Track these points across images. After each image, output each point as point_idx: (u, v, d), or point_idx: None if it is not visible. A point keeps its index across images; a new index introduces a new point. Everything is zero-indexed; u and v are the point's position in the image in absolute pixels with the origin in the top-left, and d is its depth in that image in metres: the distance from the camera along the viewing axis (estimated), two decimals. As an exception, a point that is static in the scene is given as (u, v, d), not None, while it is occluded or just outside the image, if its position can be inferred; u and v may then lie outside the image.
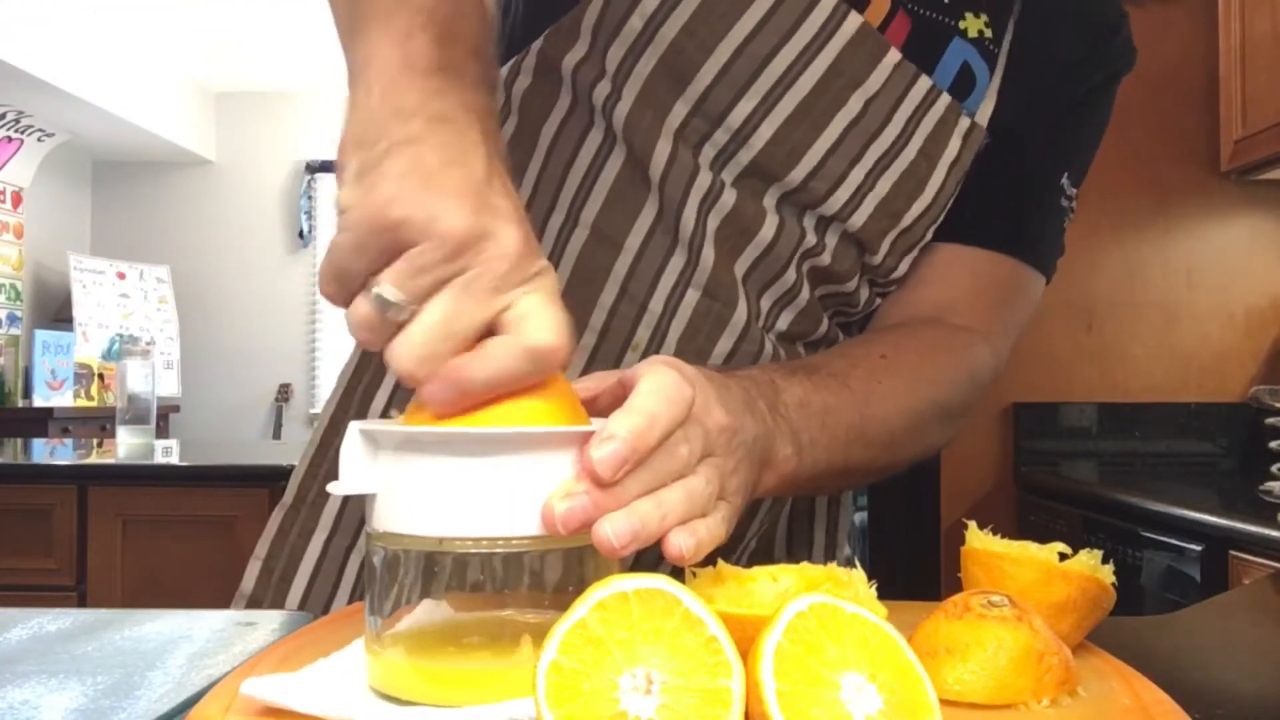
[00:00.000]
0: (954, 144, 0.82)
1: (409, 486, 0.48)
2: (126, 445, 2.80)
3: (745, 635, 0.43)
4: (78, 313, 5.55)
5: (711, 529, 0.52)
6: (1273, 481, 1.96)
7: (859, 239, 0.82)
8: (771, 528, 0.91)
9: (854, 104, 0.79)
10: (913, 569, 2.42)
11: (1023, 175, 0.88)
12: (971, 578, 0.59)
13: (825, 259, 0.83)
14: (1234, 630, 0.79)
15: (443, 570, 0.49)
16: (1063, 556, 0.58)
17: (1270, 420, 2.03)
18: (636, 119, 0.80)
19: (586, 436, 0.49)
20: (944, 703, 0.44)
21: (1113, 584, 0.58)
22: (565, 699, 0.40)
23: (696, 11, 0.77)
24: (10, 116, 5.25)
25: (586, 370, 0.79)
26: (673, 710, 0.40)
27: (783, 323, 0.84)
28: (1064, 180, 0.90)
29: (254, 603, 0.87)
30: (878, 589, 0.52)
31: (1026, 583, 0.57)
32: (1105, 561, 0.58)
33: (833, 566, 0.53)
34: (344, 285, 0.51)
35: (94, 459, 2.67)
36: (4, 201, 5.52)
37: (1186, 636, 0.73)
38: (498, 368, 0.48)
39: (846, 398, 0.73)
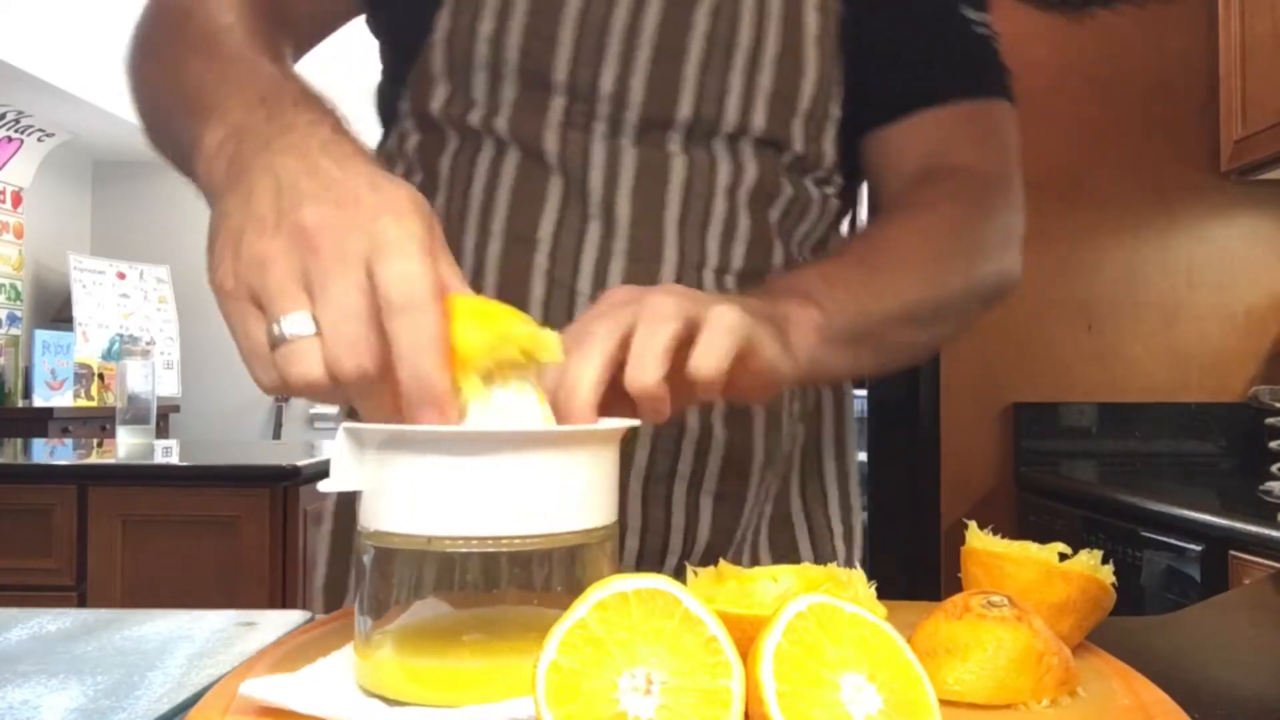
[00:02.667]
0: (811, 19, 0.84)
1: (398, 485, 0.48)
2: (126, 445, 2.80)
3: (745, 635, 0.43)
4: (78, 313, 5.55)
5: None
6: (1273, 481, 1.96)
7: (769, 139, 0.83)
8: (784, 497, 0.91)
9: (700, 20, 0.81)
10: (913, 569, 2.41)
11: (920, 26, 0.89)
12: (971, 578, 0.59)
13: (749, 176, 0.83)
14: (1234, 630, 0.79)
15: (432, 569, 0.49)
16: (1063, 556, 0.58)
17: (1270, 420, 2.03)
18: (519, 124, 0.82)
19: (578, 435, 0.49)
20: (944, 703, 0.44)
21: (1113, 584, 0.58)
22: (565, 699, 0.40)
23: (528, 9, 0.80)
24: (10, 116, 5.25)
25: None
26: (672, 710, 0.40)
27: (736, 259, 0.84)
28: (964, 11, 0.89)
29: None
30: (877, 589, 0.52)
31: (1026, 583, 0.57)
32: (1105, 561, 0.58)
33: (833, 567, 0.53)
34: None
35: (94, 459, 2.67)
36: (4, 201, 5.52)
37: (1186, 636, 0.73)
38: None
39: (862, 247, 0.79)
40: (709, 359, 0.58)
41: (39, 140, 5.57)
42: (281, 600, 2.28)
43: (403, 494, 0.48)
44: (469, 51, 0.81)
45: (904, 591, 0.77)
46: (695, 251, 0.82)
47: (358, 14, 0.91)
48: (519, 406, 0.50)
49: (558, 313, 0.81)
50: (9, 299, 5.54)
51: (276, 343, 0.49)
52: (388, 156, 0.90)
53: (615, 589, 0.42)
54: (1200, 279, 2.43)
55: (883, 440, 2.50)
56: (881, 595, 0.52)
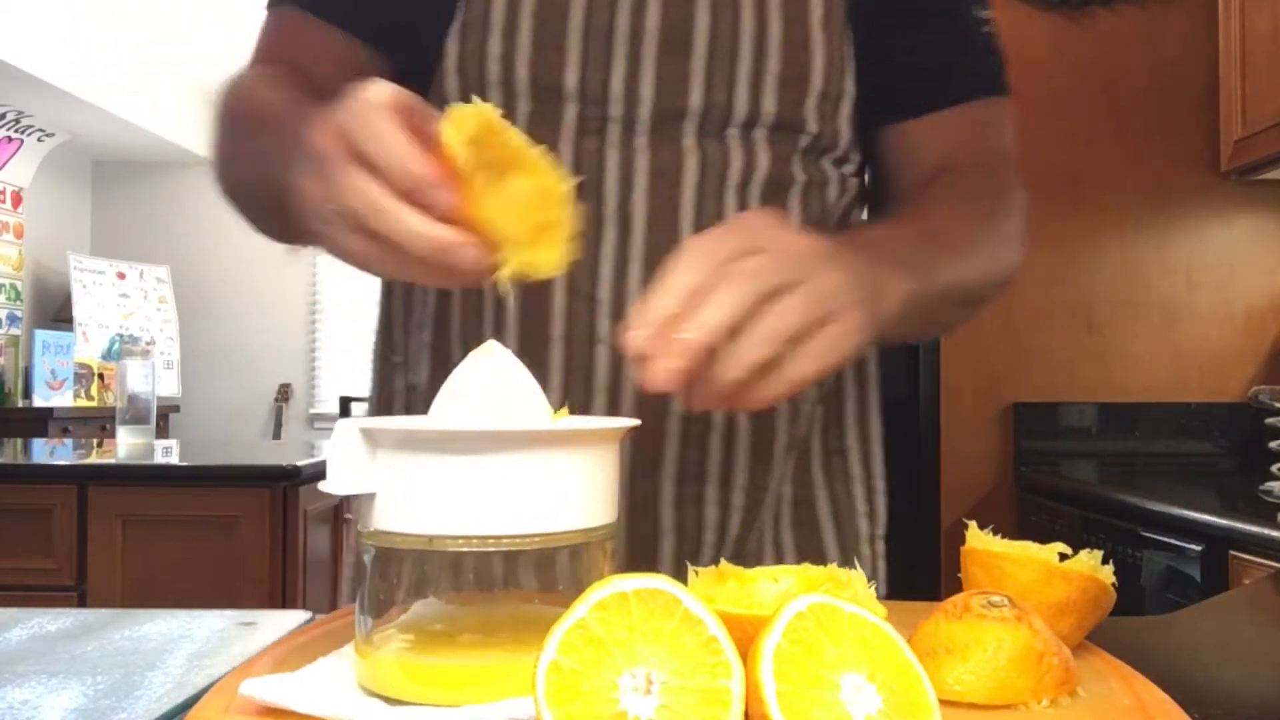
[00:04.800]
0: (815, 3, 0.85)
1: (399, 485, 0.48)
2: (126, 445, 2.80)
3: (745, 635, 0.43)
4: (78, 313, 5.55)
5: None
6: (1273, 481, 1.96)
7: (782, 124, 0.84)
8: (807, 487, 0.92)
9: (702, 13, 0.83)
10: (913, 569, 2.41)
11: (937, 24, 0.91)
12: (971, 578, 0.59)
13: (761, 167, 0.84)
14: (1234, 630, 0.79)
15: (432, 569, 0.49)
16: (1063, 556, 0.58)
17: (1270, 420, 2.03)
18: (534, 136, 0.83)
19: (578, 435, 0.49)
20: (944, 703, 0.44)
21: (1113, 584, 0.58)
22: (565, 699, 0.40)
23: (535, 24, 0.82)
24: (10, 116, 5.25)
25: (564, 379, 0.80)
26: (672, 710, 0.40)
27: None
28: (973, 11, 0.92)
29: None
30: (877, 589, 0.52)
31: (1026, 583, 0.57)
32: (1105, 561, 0.58)
33: (832, 567, 0.53)
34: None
35: (94, 459, 2.67)
36: (4, 201, 5.52)
37: (1186, 636, 0.73)
38: None
39: (921, 222, 0.79)
40: (780, 386, 0.58)
41: (39, 140, 5.57)
42: (281, 600, 2.28)
43: (403, 494, 0.48)
44: (481, 73, 0.83)
45: (904, 591, 0.77)
46: None
47: (372, 62, 0.90)
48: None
49: (579, 321, 0.82)
50: (9, 299, 5.54)
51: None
52: None
53: (615, 589, 0.42)
54: (1200, 279, 2.43)
55: (883, 440, 2.49)
56: (881, 595, 0.52)
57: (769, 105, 0.83)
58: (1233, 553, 1.61)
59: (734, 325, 0.55)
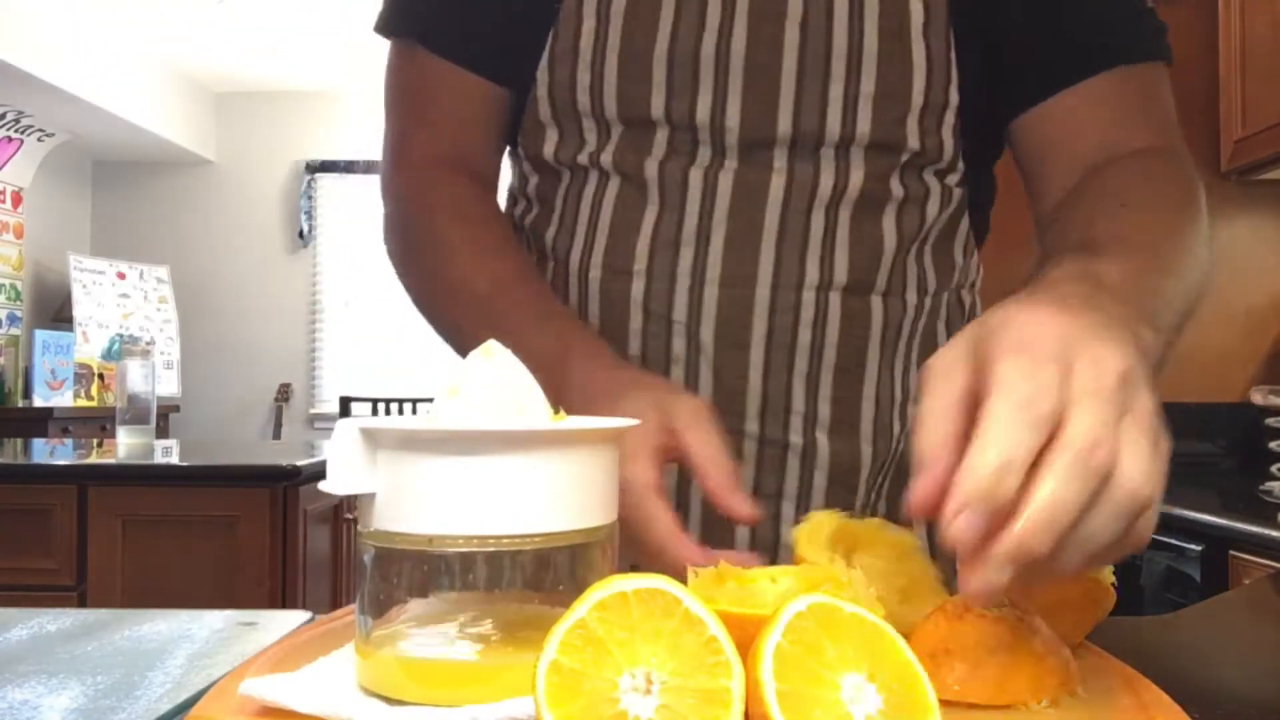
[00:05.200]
0: (915, 8, 0.81)
1: (399, 485, 0.48)
2: (126, 445, 2.80)
3: (746, 635, 0.43)
4: (78, 313, 5.55)
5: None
6: (1273, 481, 1.96)
7: (878, 143, 0.81)
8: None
9: (791, 34, 0.80)
10: (913, 569, 2.41)
11: None
12: (971, 578, 0.59)
13: (854, 185, 0.81)
14: (1234, 630, 0.79)
15: (433, 569, 0.49)
16: (1063, 556, 0.58)
17: (1270, 420, 2.03)
18: (623, 156, 0.83)
19: (579, 435, 0.49)
20: (944, 703, 0.44)
21: (1113, 584, 0.58)
22: (565, 699, 0.40)
23: (621, 55, 0.81)
24: (10, 116, 5.25)
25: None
26: (672, 710, 0.40)
27: (839, 273, 0.82)
28: None
29: None
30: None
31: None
32: (1105, 561, 0.58)
33: (832, 567, 0.53)
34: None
35: (94, 459, 2.67)
36: (4, 201, 5.52)
37: (1186, 636, 0.73)
38: None
39: (1138, 249, 0.66)
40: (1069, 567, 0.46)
41: (39, 140, 5.57)
42: (281, 600, 2.28)
43: (403, 494, 0.48)
44: (571, 101, 0.83)
45: (904, 591, 0.76)
46: (793, 270, 0.81)
47: (495, 98, 0.90)
48: None
49: (655, 343, 0.82)
50: (9, 299, 5.54)
51: None
52: (513, 197, 0.94)
53: (615, 589, 0.42)
54: (1200, 279, 2.43)
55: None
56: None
57: (864, 126, 0.80)
58: (1233, 553, 1.61)
59: (1078, 514, 0.44)
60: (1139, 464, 0.46)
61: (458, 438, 0.48)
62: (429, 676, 0.48)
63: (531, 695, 0.40)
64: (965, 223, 0.89)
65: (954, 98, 0.82)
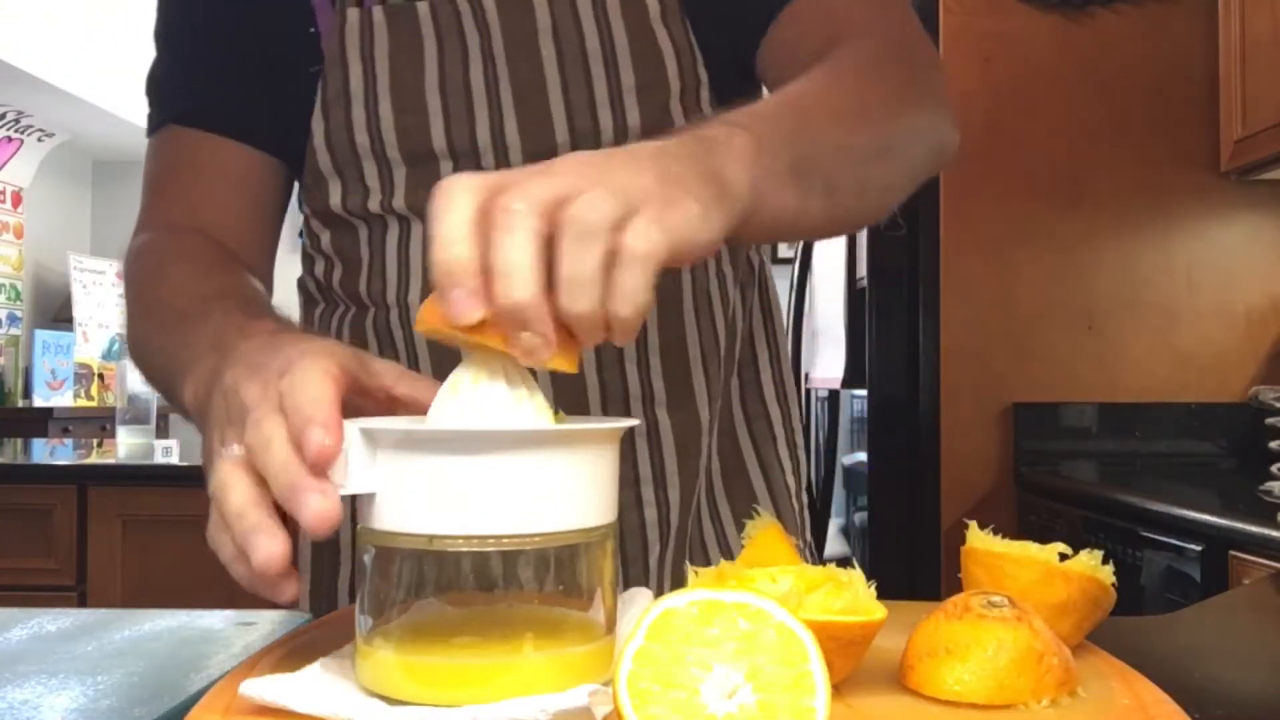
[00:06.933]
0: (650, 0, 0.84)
1: (399, 485, 0.48)
2: (126, 445, 2.80)
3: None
4: (78, 313, 5.54)
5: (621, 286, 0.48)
6: (1273, 481, 1.96)
7: (650, 131, 0.80)
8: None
9: (547, 47, 0.83)
10: (913, 569, 2.41)
11: None
12: (971, 578, 0.59)
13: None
14: (1234, 630, 0.79)
15: (432, 568, 0.49)
16: (1063, 556, 0.58)
17: (1270, 420, 2.03)
18: (415, 199, 0.84)
19: (579, 435, 0.49)
20: (944, 703, 0.44)
21: (1113, 584, 0.58)
22: (648, 687, 0.40)
23: (394, 90, 0.83)
24: (10, 116, 5.25)
25: None
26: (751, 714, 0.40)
27: None
28: None
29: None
30: (877, 589, 0.52)
31: (1027, 583, 0.57)
32: (1105, 561, 0.58)
33: (832, 567, 0.53)
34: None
35: (94, 459, 2.67)
36: (4, 201, 5.52)
37: (1186, 636, 0.73)
38: None
39: (778, 96, 0.68)
40: (625, 306, 0.48)
41: (39, 140, 5.57)
42: (281, 600, 2.28)
43: (403, 494, 0.48)
44: (349, 142, 0.85)
45: (904, 591, 0.77)
46: None
47: (265, 164, 0.91)
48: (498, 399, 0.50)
49: (383, 333, 0.86)
50: (9, 299, 5.54)
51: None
52: (309, 258, 0.97)
53: (710, 596, 0.43)
54: (1200, 279, 2.43)
55: (883, 440, 2.50)
56: (881, 595, 0.52)
57: (634, 118, 0.84)
58: (1233, 553, 1.61)
59: (542, 258, 0.47)
60: (602, 195, 0.48)
61: (458, 438, 0.48)
62: (429, 676, 0.48)
63: (610, 676, 0.40)
64: None
65: (704, 75, 0.86)
